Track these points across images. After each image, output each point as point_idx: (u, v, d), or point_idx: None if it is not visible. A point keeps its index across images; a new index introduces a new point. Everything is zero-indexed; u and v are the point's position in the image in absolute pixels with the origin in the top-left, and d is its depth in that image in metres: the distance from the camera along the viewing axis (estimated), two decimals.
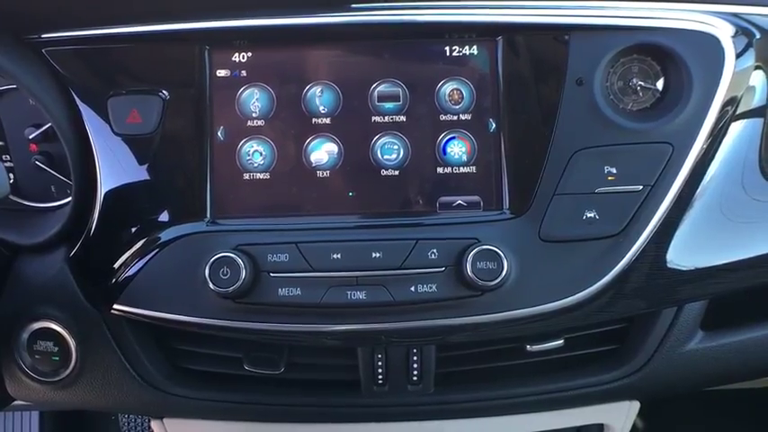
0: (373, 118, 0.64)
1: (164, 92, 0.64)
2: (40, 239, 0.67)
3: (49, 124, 0.73)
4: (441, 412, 0.67)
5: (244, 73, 0.65)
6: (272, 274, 0.59)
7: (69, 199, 0.67)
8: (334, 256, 0.59)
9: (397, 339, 0.63)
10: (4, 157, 0.76)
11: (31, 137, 0.74)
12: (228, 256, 0.58)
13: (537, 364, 0.67)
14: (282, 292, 0.59)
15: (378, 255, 0.59)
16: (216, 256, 0.58)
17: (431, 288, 0.59)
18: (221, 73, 0.65)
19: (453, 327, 0.60)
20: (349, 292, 0.59)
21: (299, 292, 0.59)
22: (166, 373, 0.67)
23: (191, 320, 0.61)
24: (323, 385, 0.68)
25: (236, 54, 0.65)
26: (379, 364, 0.64)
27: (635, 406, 0.71)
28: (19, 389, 0.67)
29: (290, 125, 0.64)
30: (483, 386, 0.66)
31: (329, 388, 0.67)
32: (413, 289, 0.59)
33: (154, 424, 0.72)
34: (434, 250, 0.59)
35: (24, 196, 0.75)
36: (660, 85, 0.64)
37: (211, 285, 0.58)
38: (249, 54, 0.65)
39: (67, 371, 0.65)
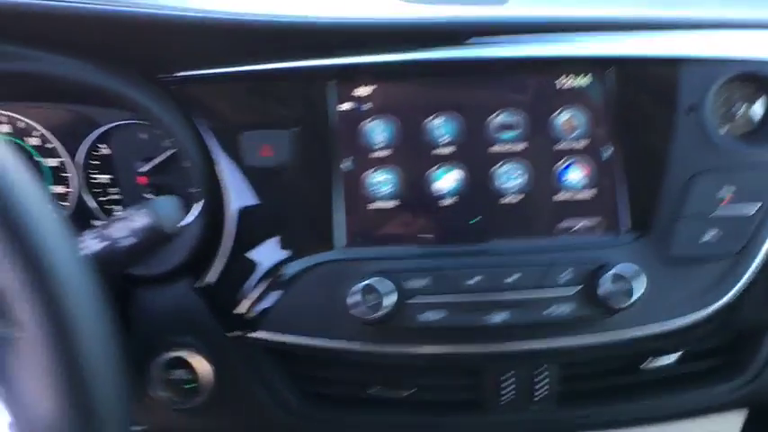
0: (493, 147, 0.67)
1: (293, 126, 0.66)
2: (162, 270, 0.69)
3: (162, 157, 0.75)
4: (559, 429, 0.69)
5: (368, 105, 0.67)
6: (413, 300, 0.62)
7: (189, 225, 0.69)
8: (471, 281, 0.62)
9: (531, 359, 0.65)
10: (112, 190, 0.78)
11: (142, 170, 0.76)
12: (372, 284, 0.60)
13: (652, 380, 0.70)
14: (424, 316, 0.61)
15: (512, 279, 0.62)
16: (362, 283, 0.60)
17: (564, 309, 0.61)
18: (347, 106, 0.67)
19: (585, 346, 0.63)
20: (487, 316, 0.62)
21: (440, 316, 0.61)
22: (298, 398, 0.68)
23: (333, 346, 0.63)
24: (444, 406, 0.69)
25: (361, 88, 0.67)
26: (506, 383, 0.66)
27: (743, 413, 0.74)
28: (153, 417, 0.68)
29: (414, 155, 0.67)
30: (601, 402, 0.69)
31: (451, 408, 0.69)
32: (547, 311, 0.61)
33: None
34: (566, 272, 0.62)
35: None
36: (761, 108, 0.67)
37: (356, 312, 0.60)
38: (373, 87, 0.67)
39: (202, 398, 0.66)
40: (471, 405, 0.68)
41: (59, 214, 0.38)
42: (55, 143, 0.76)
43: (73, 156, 0.77)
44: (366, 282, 0.60)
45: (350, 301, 0.61)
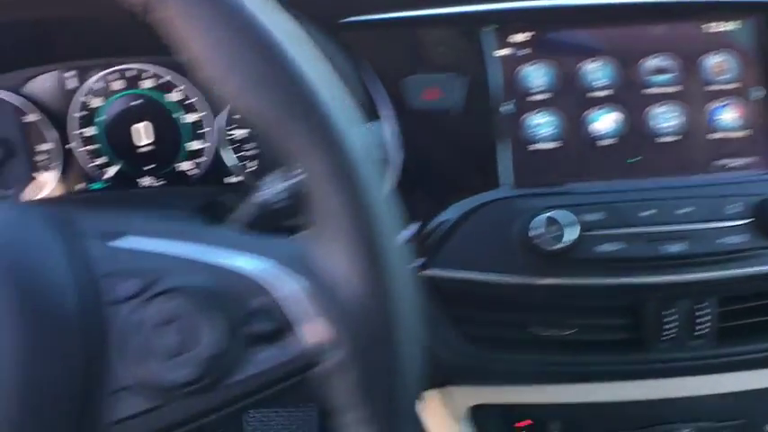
0: (648, 89, 0.69)
1: (454, 70, 0.68)
2: None
3: None
4: (720, 366, 0.70)
5: (526, 51, 0.69)
6: (591, 232, 0.63)
7: None
8: (644, 213, 0.63)
9: (700, 290, 0.66)
10: (248, 145, 0.78)
11: None
12: (553, 216, 0.62)
13: None
14: (602, 248, 0.63)
15: (683, 211, 0.64)
16: (544, 215, 0.61)
17: (737, 240, 0.63)
18: (505, 52, 0.69)
19: (753, 276, 0.64)
20: (662, 246, 0.63)
21: (617, 247, 0.62)
22: (459, 339, 0.69)
23: (506, 281, 0.64)
24: (604, 345, 0.70)
25: (519, 34, 0.69)
26: (668, 319, 0.67)
27: None
28: None
29: (572, 98, 0.69)
30: (762, 339, 0.70)
31: (611, 347, 0.70)
32: (720, 241, 0.63)
33: (431, 393, 0.73)
34: (736, 205, 0.64)
35: None
36: None
37: (539, 242, 0.61)
38: (531, 33, 0.69)
39: None
40: (631, 343, 0.69)
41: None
42: (197, 97, 0.77)
43: (214, 110, 0.77)
44: (548, 214, 0.62)
45: (533, 232, 0.62)
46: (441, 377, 0.71)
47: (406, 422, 0.37)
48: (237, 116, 0.76)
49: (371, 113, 0.69)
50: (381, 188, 0.37)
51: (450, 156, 0.68)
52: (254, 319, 0.36)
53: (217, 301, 0.36)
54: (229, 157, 0.78)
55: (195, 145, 0.78)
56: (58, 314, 0.35)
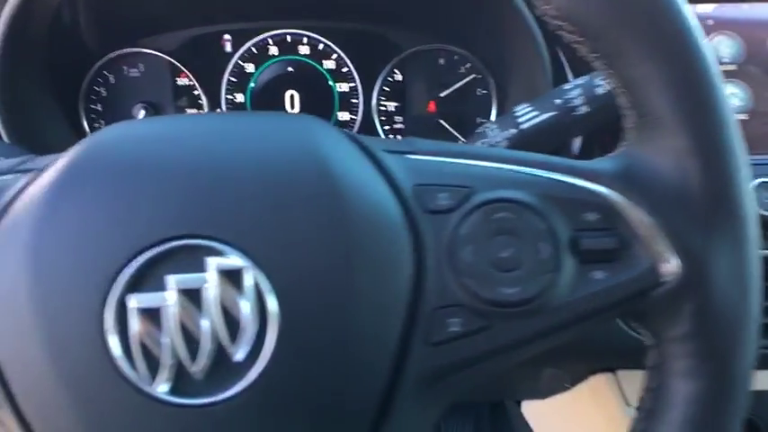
0: None
1: None
2: None
3: (461, 83, 0.75)
4: None
5: (710, 22, 0.67)
6: None
7: None
8: None
9: None
10: (397, 118, 0.76)
11: (441, 95, 0.75)
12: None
13: None
14: None
15: None
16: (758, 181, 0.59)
17: None
18: None
19: None
20: None
21: None
22: None
23: None
24: None
25: (703, 4, 0.67)
26: None
27: None
28: None
29: (759, 69, 0.67)
30: None
31: None
32: None
33: (600, 377, 0.69)
34: None
35: None
36: None
37: None
38: (713, 5, 0.67)
39: None
40: None
41: None
42: (351, 67, 0.75)
43: (365, 81, 0.75)
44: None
45: None
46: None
47: (743, 364, 0.33)
48: (388, 87, 0.75)
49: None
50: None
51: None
52: (590, 234, 0.33)
53: (551, 213, 0.33)
54: (377, 130, 0.76)
55: (344, 116, 0.76)
56: (384, 224, 0.32)
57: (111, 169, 0.33)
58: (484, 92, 0.75)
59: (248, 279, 0.30)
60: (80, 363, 0.30)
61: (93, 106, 0.74)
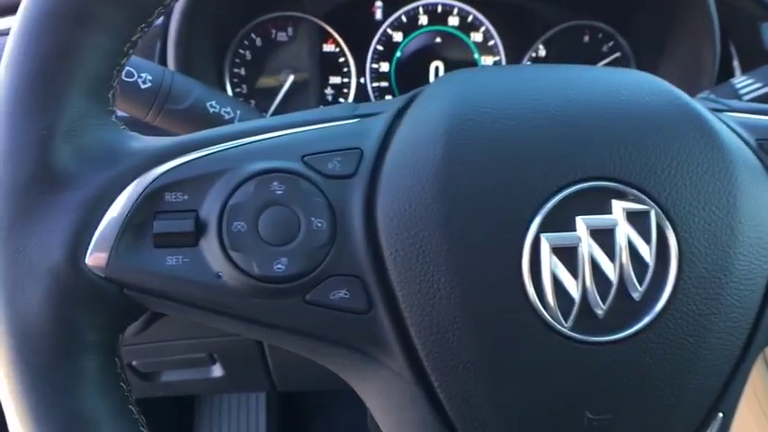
0: None
1: None
2: None
3: (609, 59, 0.75)
4: None
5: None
6: None
7: None
8: None
9: None
10: None
11: None
12: None
13: None
14: None
15: None
16: None
17: None
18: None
19: None
20: None
21: None
22: None
23: None
24: None
25: None
26: None
27: None
28: None
29: None
30: None
31: None
32: None
33: None
34: None
35: None
36: None
37: None
38: None
39: None
40: None
41: None
42: (497, 40, 0.75)
43: (510, 56, 0.75)
44: None
45: None
46: None
47: None
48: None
49: None
50: None
51: None
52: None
53: None
54: None
55: None
56: (758, 173, 0.35)
57: (495, 114, 0.33)
58: None
59: (652, 220, 0.32)
60: (492, 296, 0.31)
61: (236, 70, 0.72)
